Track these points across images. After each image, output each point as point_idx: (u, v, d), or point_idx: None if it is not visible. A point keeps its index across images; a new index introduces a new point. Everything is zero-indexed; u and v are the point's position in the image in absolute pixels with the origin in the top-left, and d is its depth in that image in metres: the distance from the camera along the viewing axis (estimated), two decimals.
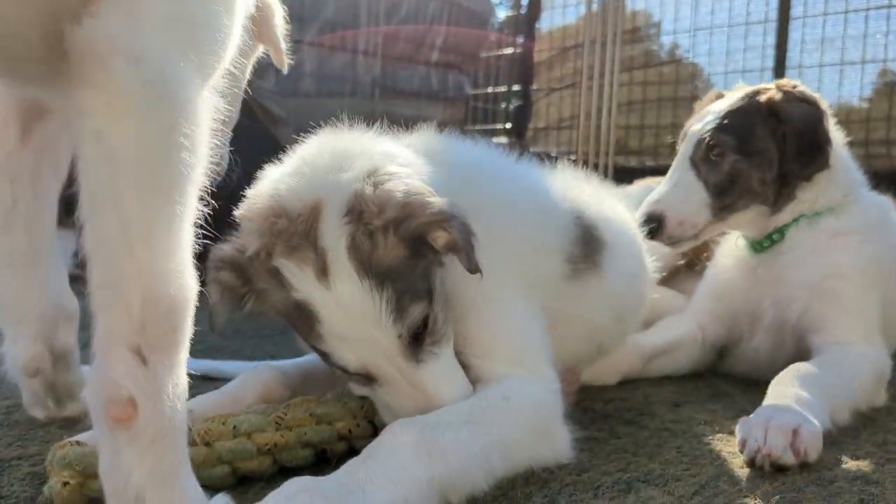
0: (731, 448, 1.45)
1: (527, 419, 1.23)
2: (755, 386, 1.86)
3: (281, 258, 1.11)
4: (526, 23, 6.95)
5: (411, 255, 1.13)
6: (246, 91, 3.46)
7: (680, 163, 2.05)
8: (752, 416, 1.42)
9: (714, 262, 2.14)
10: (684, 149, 2.04)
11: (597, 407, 1.71)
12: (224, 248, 1.17)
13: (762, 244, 2.00)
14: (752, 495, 1.22)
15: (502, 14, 7.19)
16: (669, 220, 1.96)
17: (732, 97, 2.04)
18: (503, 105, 6.93)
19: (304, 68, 5.27)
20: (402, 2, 6.01)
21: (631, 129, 6.24)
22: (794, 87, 1.99)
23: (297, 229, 1.11)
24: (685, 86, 6.03)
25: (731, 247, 2.10)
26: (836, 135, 2.00)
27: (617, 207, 1.84)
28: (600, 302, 1.63)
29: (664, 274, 2.30)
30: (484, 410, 1.18)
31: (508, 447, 1.18)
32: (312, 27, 5.51)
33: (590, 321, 1.64)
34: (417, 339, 1.16)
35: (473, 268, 1.14)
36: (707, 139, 1.98)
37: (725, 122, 1.98)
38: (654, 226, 1.96)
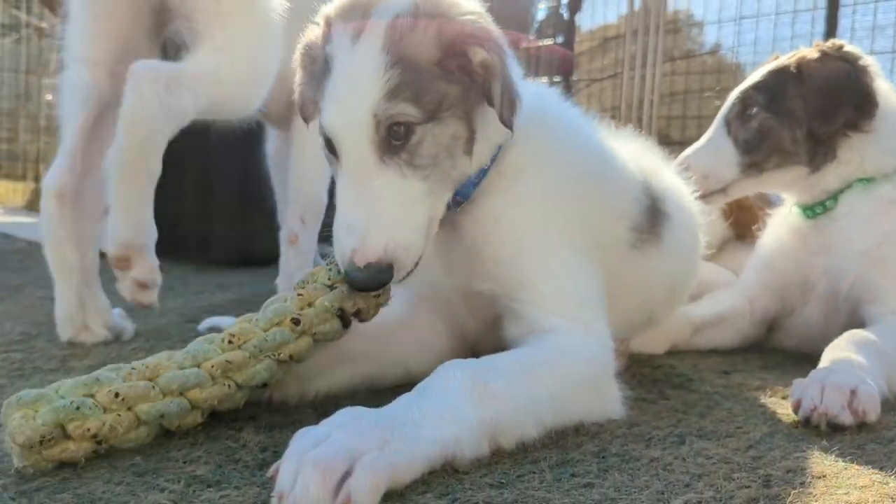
0: (784, 410, 1.42)
1: (580, 374, 1.22)
2: (807, 359, 1.82)
3: (337, 18, 1.20)
4: (567, 15, 6.90)
5: (439, 62, 1.15)
6: None
7: (716, 121, 2.09)
8: (807, 377, 1.39)
9: (765, 232, 2.09)
10: (722, 108, 2.08)
11: (645, 372, 1.69)
12: (306, 35, 1.29)
13: (814, 210, 1.95)
14: (809, 449, 1.19)
15: (543, 5, 7.16)
16: (694, 173, 1.95)
17: (780, 60, 2.02)
18: None
19: None
20: None
21: (673, 119, 6.16)
22: (837, 46, 1.96)
23: (361, 3, 1.19)
24: (728, 75, 5.93)
25: (783, 215, 2.06)
26: (889, 96, 1.94)
27: (677, 180, 1.82)
28: (656, 274, 1.62)
29: (713, 249, 2.28)
30: (538, 361, 1.17)
31: (560, 399, 1.17)
32: None
33: (644, 292, 1.64)
34: (393, 147, 1.15)
35: (504, 112, 1.16)
36: (740, 96, 2.02)
37: (761, 81, 2.00)
38: None
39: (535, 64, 7.20)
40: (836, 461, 1.15)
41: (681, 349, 1.95)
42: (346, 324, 1.25)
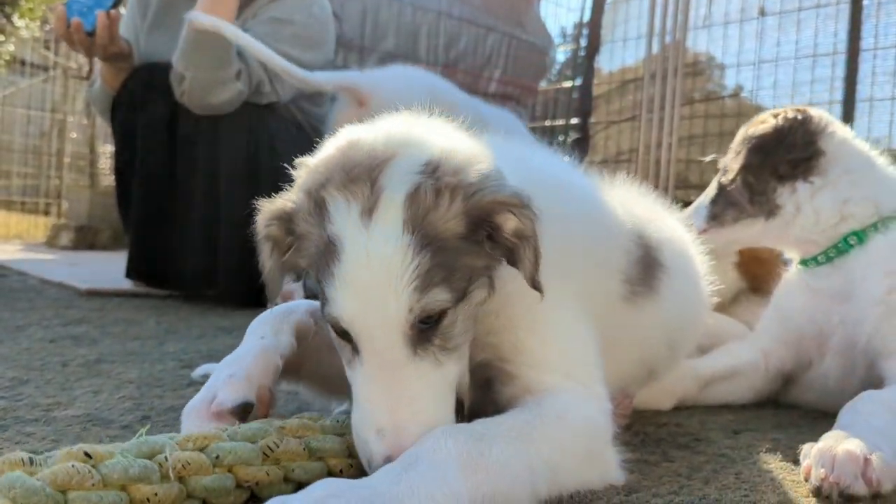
0: (795, 477, 1.34)
1: (579, 440, 1.15)
2: (823, 418, 1.74)
3: (333, 190, 1.03)
4: (585, 57, 6.93)
5: (466, 236, 1.04)
6: (300, 112, 3.49)
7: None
8: (818, 442, 1.31)
9: (780, 285, 2.03)
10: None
11: (648, 431, 1.62)
12: (272, 203, 1.13)
13: (816, 260, 1.92)
14: None
15: (561, 48, 7.20)
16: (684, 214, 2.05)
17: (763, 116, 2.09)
18: (561, 138, 6.88)
19: None
20: (461, 34, 6.08)
21: (692, 162, 6.12)
22: (795, 110, 2.01)
23: (362, 165, 1.03)
24: (748, 119, 5.88)
25: (795, 270, 2.00)
26: (845, 146, 1.94)
27: (675, 227, 1.77)
28: (654, 327, 1.56)
29: (723, 298, 2.21)
30: (535, 427, 1.10)
31: (557, 468, 1.09)
32: (372, 58, 5.60)
33: (642, 345, 1.58)
34: (424, 334, 1.03)
35: (534, 276, 1.06)
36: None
37: (744, 136, 2.06)
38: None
39: (554, 105, 7.23)
40: None
41: (689, 405, 1.87)
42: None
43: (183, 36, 2.97)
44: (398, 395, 1.02)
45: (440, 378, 1.06)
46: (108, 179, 7.39)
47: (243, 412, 1.17)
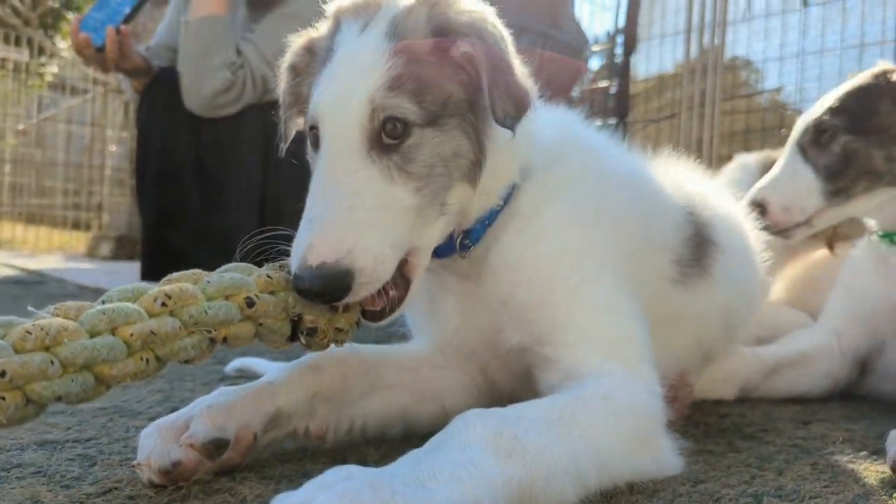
0: (878, 468, 1.22)
1: (628, 424, 1.04)
2: None
3: (348, 13, 1.12)
4: (622, 55, 6.79)
5: (434, 52, 1.06)
6: None
7: (787, 149, 1.91)
8: None
9: (848, 261, 1.88)
10: (792, 136, 1.91)
11: (710, 421, 1.50)
12: (301, 36, 1.20)
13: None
14: None
15: (596, 47, 7.07)
16: (773, 206, 1.81)
17: (857, 79, 1.85)
18: None
19: None
20: None
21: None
22: None
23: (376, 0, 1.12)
24: (792, 113, 5.69)
25: (866, 244, 1.85)
26: None
27: (729, 204, 1.66)
28: (708, 309, 1.46)
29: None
30: (578, 409, 0.99)
31: (605, 455, 0.98)
32: None
33: (696, 328, 1.47)
34: (386, 146, 1.02)
35: (498, 107, 1.03)
36: (815, 122, 1.84)
37: (838, 104, 1.82)
38: (758, 211, 1.80)
39: (590, 105, 7.10)
40: None
41: (753, 395, 1.74)
42: (293, 336, 1.05)
43: (180, 38, 2.97)
44: (340, 188, 1.00)
45: (389, 195, 1.01)
46: None
47: (215, 449, 1.00)
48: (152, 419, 1.33)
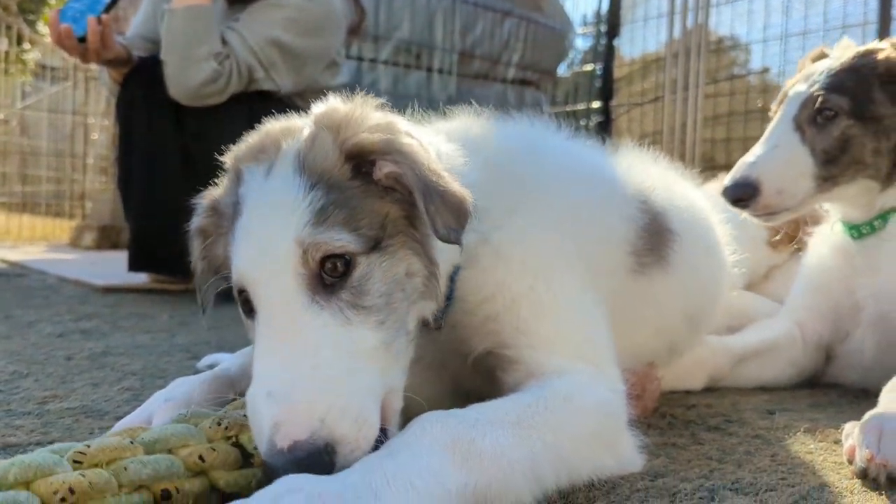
0: (837, 458, 1.24)
1: (589, 424, 1.05)
2: (864, 397, 1.63)
3: (247, 160, 1.03)
4: (606, 37, 6.78)
5: (355, 177, 0.98)
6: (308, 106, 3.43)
7: (780, 124, 1.74)
8: (861, 421, 1.20)
9: (809, 252, 1.89)
10: (786, 110, 1.75)
11: (676, 413, 1.51)
12: (204, 196, 1.14)
13: (860, 230, 1.74)
14: None
15: (581, 30, 7.05)
16: (766, 187, 1.66)
17: (841, 55, 1.76)
18: (583, 122, 6.74)
19: (379, 87, 5.27)
20: (477, 20, 5.97)
21: (717, 142, 5.96)
22: None
23: (274, 135, 1.05)
24: (774, 95, 5.71)
25: (826, 233, 1.85)
26: None
27: (689, 193, 1.65)
28: (667, 297, 1.46)
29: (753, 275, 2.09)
30: (538, 411, 1.00)
31: (565, 456, 0.99)
32: (387, 46, 5.52)
33: (657, 320, 1.48)
34: (330, 287, 0.92)
35: (438, 221, 0.93)
36: (817, 99, 1.70)
37: (837, 81, 1.70)
38: (750, 192, 1.67)
39: (575, 89, 7.08)
40: None
41: (721, 385, 1.76)
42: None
43: (163, 27, 2.94)
44: (292, 348, 0.88)
45: (349, 339, 0.91)
46: None
47: None
48: (119, 419, 1.34)
